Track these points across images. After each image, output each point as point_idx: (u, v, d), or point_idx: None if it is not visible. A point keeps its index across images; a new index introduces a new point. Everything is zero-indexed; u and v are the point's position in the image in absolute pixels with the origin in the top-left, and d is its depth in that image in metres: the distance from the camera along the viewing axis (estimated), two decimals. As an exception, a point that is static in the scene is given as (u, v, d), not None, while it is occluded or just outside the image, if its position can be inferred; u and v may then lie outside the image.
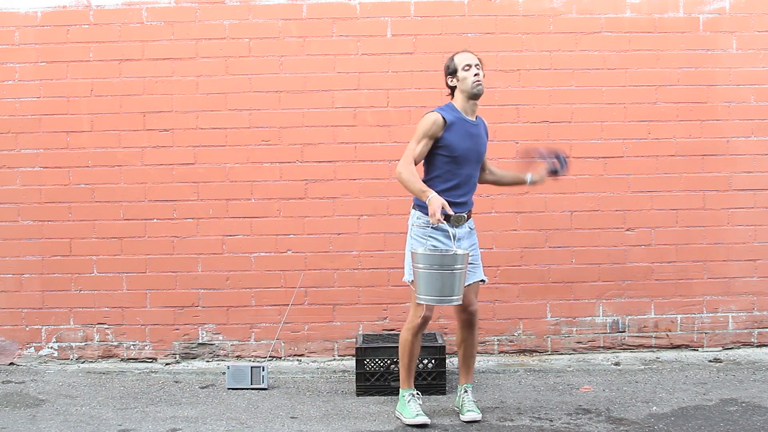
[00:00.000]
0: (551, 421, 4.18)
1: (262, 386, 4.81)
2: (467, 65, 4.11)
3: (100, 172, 5.33)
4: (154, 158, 5.32)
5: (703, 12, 5.35)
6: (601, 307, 5.40)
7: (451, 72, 4.16)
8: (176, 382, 5.03)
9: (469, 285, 4.19)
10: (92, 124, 5.32)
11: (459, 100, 4.16)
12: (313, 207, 5.33)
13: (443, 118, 4.08)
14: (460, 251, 3.93)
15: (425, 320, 4.14)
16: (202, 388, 4.89)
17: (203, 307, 5.36)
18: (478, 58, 4.17)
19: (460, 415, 4.21)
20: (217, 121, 5.32)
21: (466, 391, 4.28)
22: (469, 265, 4.13)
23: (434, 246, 4.08)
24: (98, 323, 5.36)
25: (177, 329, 5.36)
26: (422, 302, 3.92)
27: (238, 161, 5.33)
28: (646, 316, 5.41)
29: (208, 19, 5.30)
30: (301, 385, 4.92)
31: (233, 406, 4.51)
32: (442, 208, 3.84)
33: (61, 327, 5.36)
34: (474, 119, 4.19)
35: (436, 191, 3.99)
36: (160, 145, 5.32)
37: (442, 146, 4.09)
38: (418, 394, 4.27)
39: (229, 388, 4.82)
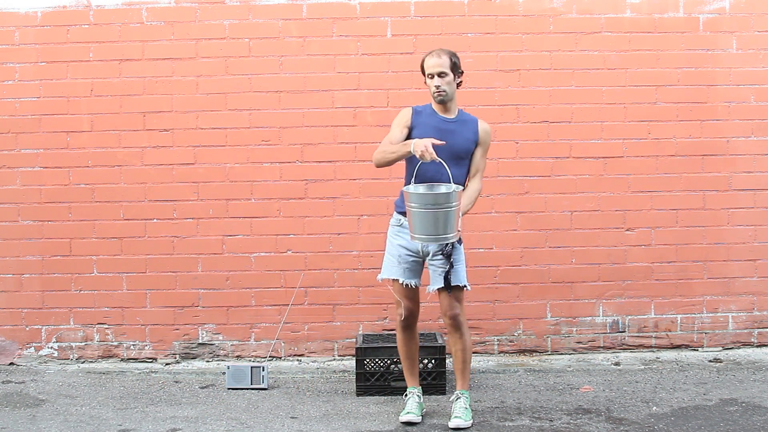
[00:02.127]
0: (551, 421, 4.18)
1: (262, 386, 4.81)
2: (430, 75, 4.11)
3: (100, 172, 5.33)
4: (154, 158, 5.32)
5: (703, 12, 5.35)
6: (601, 307, 5.40)
7: (423, 73, 4.18)
8: (176, 382, 5.03)
9: (439, 290, 4.16)
10: (92, 124, 5.32)
11: (432, 100, 4.21)
12: (313, 207, 5.33)
13: (412, 108, 4.20)
14: (453, 187, 3.86)
15: (402, 317, 4.21)
16: (202, 388, 4.89)
17: (203, 307, 5.36)
18: (447, 60, 4.07)
19: (449, 421, 4.14)
20: (217, 121, 5.32)
21: (458, 398, 4.17)
22: (438, 269, 4.14)
23: (401, 245, 4.16)
24: (98, 323, 5.36)
25: (177, 329, 5.36)
26: (417, 241, 3.91)
27: (238, 161, 5.33)
28: (646, 316, 5.41)
29: (208, 19, 5.30)
30: (301, 385, 4.92)
31: (233, 406, 4.51)
32: (432, 144, 3.81)
33: (61, 327, 5.36)
34: (452, 116, 4.17)
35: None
36: (160, 145, 5.32)
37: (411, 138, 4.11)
38: (418, 393, 4.28)
39: (229, 388, 4.82)
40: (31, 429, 4.15)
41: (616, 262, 5.38)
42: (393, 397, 4.60)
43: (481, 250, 5.31)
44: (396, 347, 4.48)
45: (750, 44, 5.36)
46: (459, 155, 4.12)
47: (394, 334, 5.11)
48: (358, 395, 4.68)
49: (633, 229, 5.38)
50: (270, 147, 5.32)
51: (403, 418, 4.16)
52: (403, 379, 4.51)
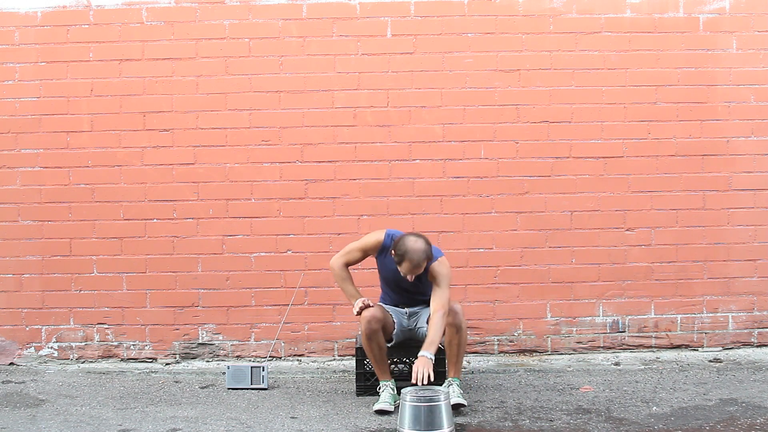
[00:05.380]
0: (551, 421, 4.18)
1: (262, 386, 4.81)
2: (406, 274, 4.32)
3: (100, 172, 5.33)
4: (154, 158, 5.32)
5: (703, 12, 5.35)
6: (601, 307, 5.40)
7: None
8: (176, 382, 5.03)
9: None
10: (92, 124, 5.32)
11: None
12: (313, 207, 5.33)
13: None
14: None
15: (362, 328, 4.42)
16: (202, 388, 4.89)
17: (203, 307, 5.36)
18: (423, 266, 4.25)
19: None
20: (217, 121, 5.32)
21: (450, 384, 4.40)
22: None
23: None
24: (98, 323, 5.36)
25: (177, 329, 5.36)
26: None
27: (238, 161, 5.33)
28: (646, 316, 5.41)
29: (208, 19, 5.30)
30: (301, 385, 4.92)
31: (233, 406, 4.51)
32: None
33: (61, 327, 5.36)
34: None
35: None
36: (160, 145, 5.32)
37: None
38: (391, 386, 4.43)
39: (229, 388, 4.82)
40: (31, 429, 4.15)
41: (616, 262, 5.38)
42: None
43: (481, 250, 5.31)
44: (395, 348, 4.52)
45: (750, 44, 5.36)
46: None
47: (394, 334, 5.13)
48: (358, 395, 4.68)
49: (633, 229, 5.38)
50: (270, 147, 5.32)
51: (377, 407, 4.30)
52: (404, 380, 4.53)
